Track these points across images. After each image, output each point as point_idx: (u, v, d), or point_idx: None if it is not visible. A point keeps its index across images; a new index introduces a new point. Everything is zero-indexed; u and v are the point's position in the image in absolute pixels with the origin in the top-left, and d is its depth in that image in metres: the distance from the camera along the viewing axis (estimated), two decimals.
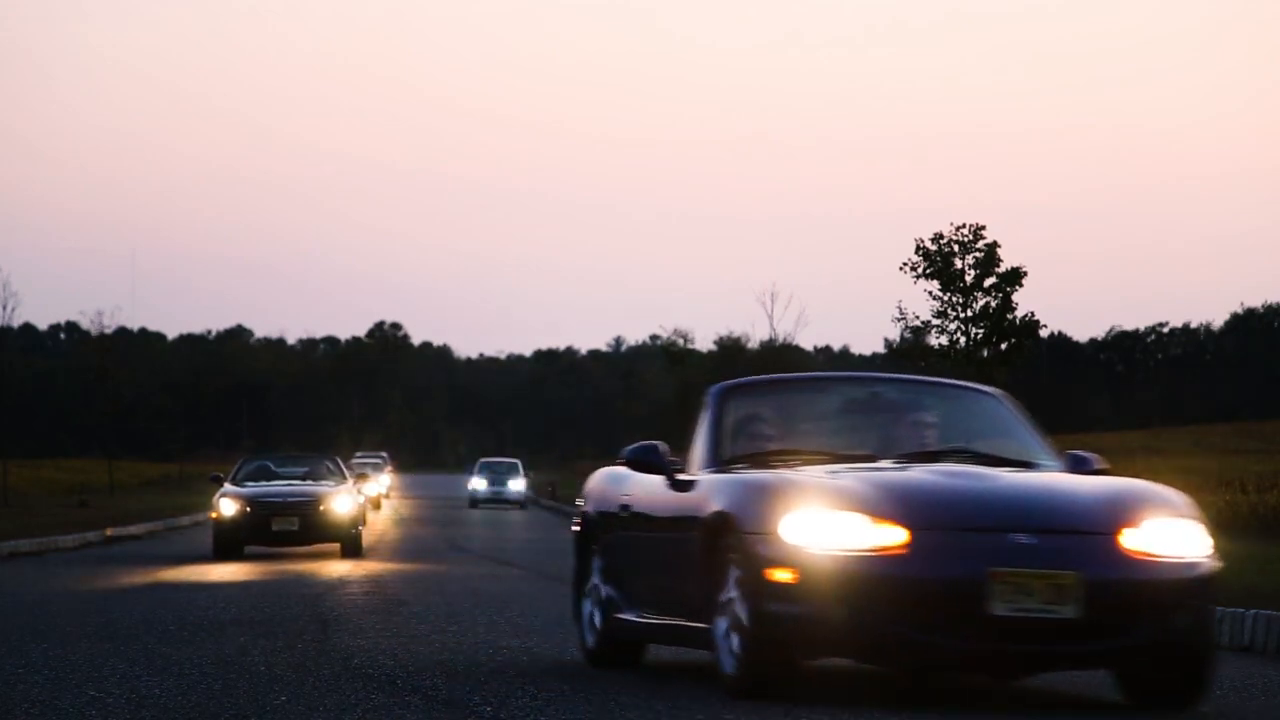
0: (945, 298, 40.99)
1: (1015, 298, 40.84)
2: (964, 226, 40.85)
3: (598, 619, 11.09)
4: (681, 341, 79.52)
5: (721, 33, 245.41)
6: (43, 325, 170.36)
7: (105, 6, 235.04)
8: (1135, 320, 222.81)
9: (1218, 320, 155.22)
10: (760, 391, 11.12)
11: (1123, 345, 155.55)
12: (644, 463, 10.49)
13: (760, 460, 10.07)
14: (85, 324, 78.63)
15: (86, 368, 75.65)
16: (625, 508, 10.88)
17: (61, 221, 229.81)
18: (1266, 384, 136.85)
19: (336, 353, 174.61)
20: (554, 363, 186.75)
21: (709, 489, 9.86)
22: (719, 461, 10.21)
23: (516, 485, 70.74)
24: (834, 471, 9.64)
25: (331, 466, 30.28)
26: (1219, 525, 30.05)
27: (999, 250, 40.94)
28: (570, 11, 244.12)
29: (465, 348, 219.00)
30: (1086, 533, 9.11)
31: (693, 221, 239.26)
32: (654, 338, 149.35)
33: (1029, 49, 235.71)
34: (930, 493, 9.31)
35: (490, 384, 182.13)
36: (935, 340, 41.79)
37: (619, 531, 10.97)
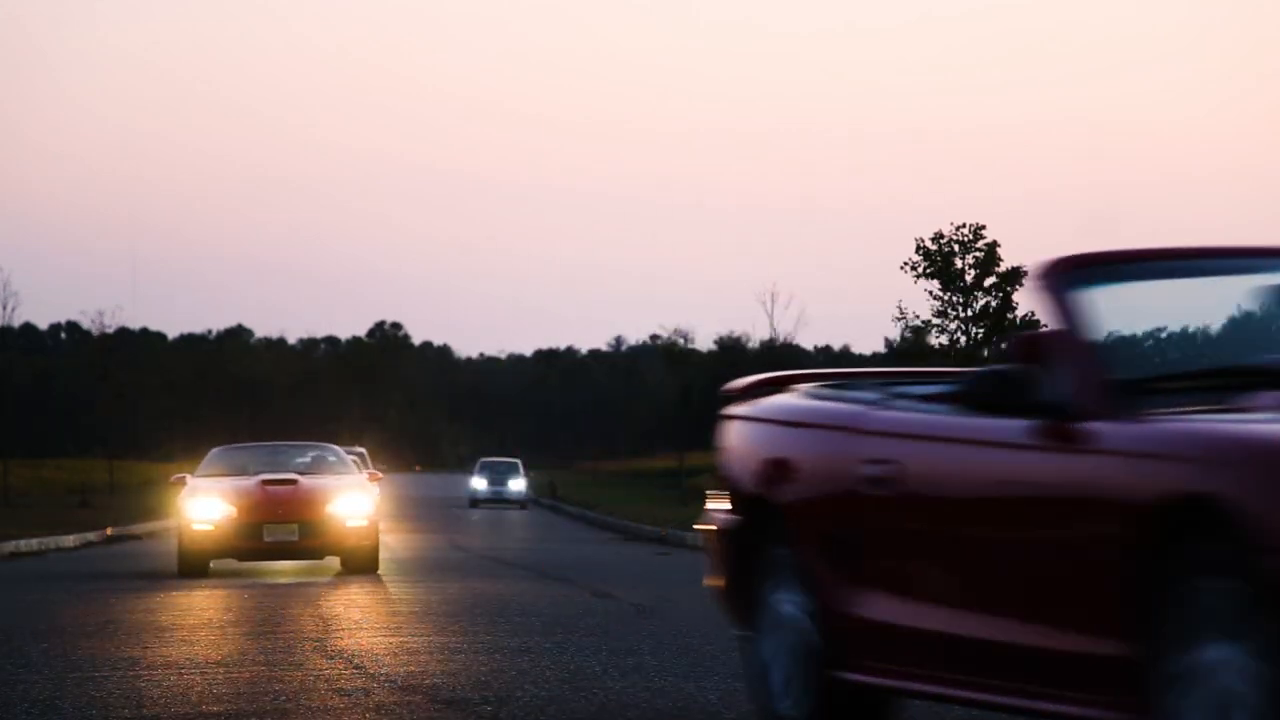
0: (946, 297, 41.00)
1: (1015, 297, 40.83)
2: (964, 226, 40.88)
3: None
4: (682, 341, 79.67)
5: (721, 33, 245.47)
6: (43, 325, 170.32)
7: (106, 4, 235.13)
8: None
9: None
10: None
11: None
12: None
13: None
14: (86, 324, 78.74)
15: (87, 368, 75.59)
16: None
17: (61, 221, 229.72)
18: None
19: (336, 353, 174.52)
20: (554, 363, 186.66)
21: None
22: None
23: (517, 485, 70.79)
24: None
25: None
26: None
27: (999, 250, 40.95)
28: (572, 11, 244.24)
29: (465, 348, 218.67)
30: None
31: (693, 221, 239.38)
32: (654, 337, 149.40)
33: (1030, 47, 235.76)
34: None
35: (490, 384, 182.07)
36: (935, 340, 41.79)
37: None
